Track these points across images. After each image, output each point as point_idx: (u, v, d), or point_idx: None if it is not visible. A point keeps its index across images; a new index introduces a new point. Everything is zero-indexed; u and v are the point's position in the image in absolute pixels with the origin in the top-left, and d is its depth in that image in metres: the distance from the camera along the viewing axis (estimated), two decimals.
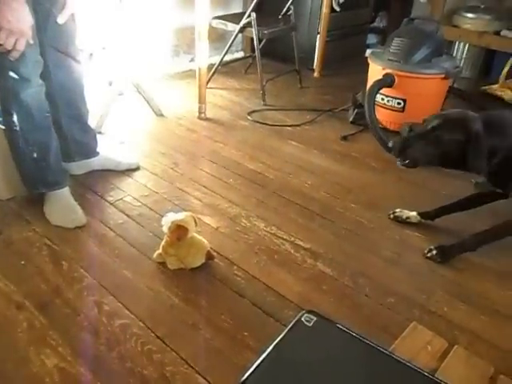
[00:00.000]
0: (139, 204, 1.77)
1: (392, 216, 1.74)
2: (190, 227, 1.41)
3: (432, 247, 1.55)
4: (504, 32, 3.20)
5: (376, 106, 2.32)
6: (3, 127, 1.53)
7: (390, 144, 1.47)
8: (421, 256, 1.57)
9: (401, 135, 1.48)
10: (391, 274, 1.49)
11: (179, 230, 1.39)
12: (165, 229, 1.42)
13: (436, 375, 0.67)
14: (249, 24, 2.76)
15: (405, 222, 1.73)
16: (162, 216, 1.45)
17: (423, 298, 1.39)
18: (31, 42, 1.34)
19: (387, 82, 2.31)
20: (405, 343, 0.78)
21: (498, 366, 0.90)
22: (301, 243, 1.60)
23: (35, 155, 1.55)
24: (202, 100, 2.55)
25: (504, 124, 1.41)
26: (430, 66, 2.33)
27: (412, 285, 1.45)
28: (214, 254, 1.49)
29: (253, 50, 3.22)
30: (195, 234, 1.46)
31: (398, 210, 1.75)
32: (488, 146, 1.37)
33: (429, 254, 1.55)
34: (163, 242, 1.45)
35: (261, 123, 2.56)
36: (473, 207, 1.65)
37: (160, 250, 1.46)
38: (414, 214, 1.72)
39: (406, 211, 1.74)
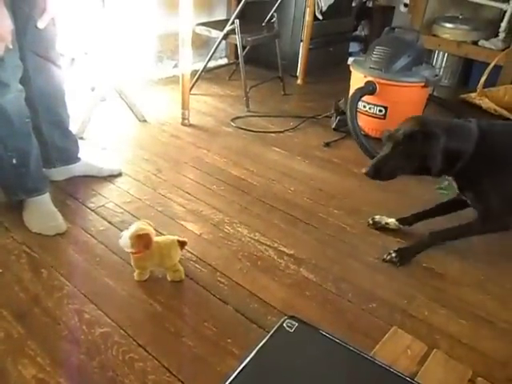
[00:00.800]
0: (121, 211, 1.75)
1: (371, 222, 1.75)
2: (149, 231, 1.37)
3: (391, 251, 1.58)
4: (482, 42, 3.29)
5: (358, 113, 2.35)
6: None
7: (364, 170, 1.48)
8: None
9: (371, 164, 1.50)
10: (373, 280, 1.50)
11: (142, 239, 1.34)
12: (128, 249, 1.36)
13: (416, 379, 0.68)
14: (232, 31, 2.77)
15: (384, 228, 1.74)
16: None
17: (404, 303, 1.41)
18: (10, 46, 1.32)
19: (369, 89, 2.35)
20: (385, 348, 0.79)
21: (477, 369, 0.91)
22: (284, 249, 1.60)
23: (14, 161, 1.53)
24: (185, 106, 2.54)
25: (467, 130, 1.42)
26: (411, 75, 2.37)
27: (393, 290, 1.46)
28: (197, 260, 1.48)
29: (236, 57, 3.23)
30: (157, 237, 1.42)
31: (377, 216, 1.76)
32: (449, 150, 1.39)
33: (387, 258, 1.57)
34: (133, 261, 1.40)
35: (244, 130, 2.57)
36: (448, 213, 1.67)
37: (137, 270, 1.42)
38: (392, 220, 1.73)
39: (384, 217, 1.75)
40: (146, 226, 1.40)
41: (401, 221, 1.72)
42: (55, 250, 1.52)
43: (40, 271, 1.42)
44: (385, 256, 1.58)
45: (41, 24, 1.47)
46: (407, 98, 2.43)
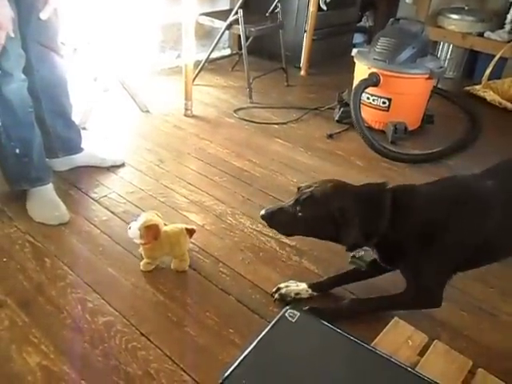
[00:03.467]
0: (124, 201, 1.76)
1: (277, 296, 1.35)
2: (157, 222, 1.39)
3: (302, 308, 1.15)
4: (487, 33, 3.26)
5: (362, 105, 2.34)
6: None
7: (262, 212, 1.24)
8: None
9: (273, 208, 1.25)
10: None
11: (150, 230, 1.36)
12: (137, 240, 1.38)
13: (416, 369, 0.68)
14: (236, 21, 2.75)
15: (294, 301, 1.35)
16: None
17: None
18: (12, 35, 1.32)
19: (373, 81, 2.34)
20: (386, 338, 0.79)
21: (477, 361, 0.92)
22: (286, 241, 1.61)
23: (18, 151, 1.53)
24: (188, 97, 2.54)
25: (381, 202, 1.19)
26: (415, 66, 2.36)
27: (395, 281, 1.46)
28: (200, 250, 1.49)
29: (240, 48, 3.21)
30: (166, 227, 1.44)
31: (282, 285, 1.38)
32: (361, 226, 1.16)
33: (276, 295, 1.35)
34: (144, 252, 1.42)
35: (247, 121, 2.56)
36: (368, 277, 1.41)
37: (146, 260, 1.43)
38: (304, 286, 1.38)
39: (292, 286, 1.38)
40: (154, 216, 1.41)
41: (314, 287, 1.38)
42: (58, 240, 1.53)
43: (44, 260, 1.43)
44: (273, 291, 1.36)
45: (43, 15, 1.46)
46: (411, 89, 2.41)
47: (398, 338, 0.78)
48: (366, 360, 0.65)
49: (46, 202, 1.64)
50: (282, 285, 1.37)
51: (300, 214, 1.19)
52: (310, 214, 1.19)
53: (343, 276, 1.40)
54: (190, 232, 1.45)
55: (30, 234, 1.54)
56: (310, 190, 1.21)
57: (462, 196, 1.21)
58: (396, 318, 0.86)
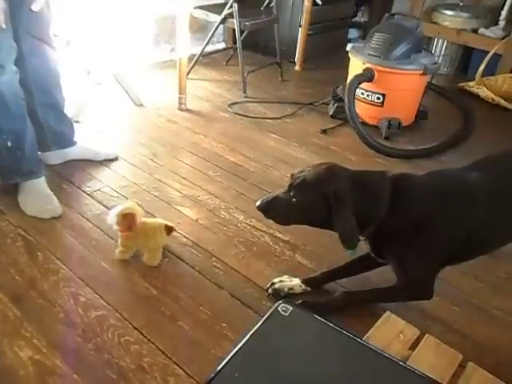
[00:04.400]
0: (117, 195, 1.75)
1: (270, 291, 1.35)
2: (135, 212, 1.39)
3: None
4: (481, 30, 3.27)
5: (356, 101, 2.34)
6: None
7: (258, 203, 1.20)
8: None
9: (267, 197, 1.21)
10: None
11: (126, 218, 1.37)
12: (114, 226, 1.39)
13: (408, 363, 0.69)
14: (231, 15, 2.74)
15: (287, 296, 1.34)
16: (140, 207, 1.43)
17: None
18: (3, 26, 1.30)
19: (367, 76, 2.34)
20: (378, 332, 0.80)
21: (467, 355, 0.93)
22: (280, 235, 1.61)
23: (10, 144, 1.52)
24: (182, 91, 2.52)
25: (379, 189, 1.15)
26: (409, 62, 2.36)
27: (387, 276, 1.47)
28: (193, 245, 1.49)
29: (234, 42, 3.20)
30: (145, 218, 1.45)
31: (276, 280, 1.37)
32: (356, 214, 1.12)
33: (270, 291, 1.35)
34: (120, 240, 1.43)
35: (241, 115, 2.56)
36: (362, 272, 1.40)
37: (120, 248, 1.44)
38: (297, 282, 1.36)
39: (286, 281, 1.36)
40: (134, 206, 1.41)
41: (307, 282, 1.36)
42: (51, 234, 1.52)
43: (36, 254, 1.42)
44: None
45: (35, 6, 1.44)
46: (405, 85, 2.42)
47: (389, 332, 0.78)
48: (358, 354, 0.66)
49: (39, 196, 1.62)
50: (275, 280, 1.37)
51: (294, 199, 1.16)
52: (304, 199, 1.15)
53: (336, 271, 1.39)
54: (169, 229, 1.45)
55: (21, 227, 1.53)
56: (303, 174, 1.17)
57: (453, 188, 1.19)
58: (388, 313, 0.86)
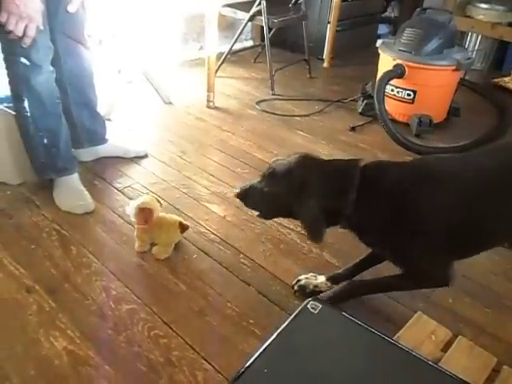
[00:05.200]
0: (147, 191, 1.78)
1: (296, 288, 1.35)
2: (152, 207, 1.42)
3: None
4: None
5: (386, 97, 2.30)
6: (14, 113, 1.55)
7: (236, 190, 1.22)
8: None
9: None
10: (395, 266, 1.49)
11: (143, 212, 1.41)
12: (132, 218, 1.43)
13: (439, 364, 0.68)
14: (259, 12, 2.74)
15: (312, 293, 1.33)
16: (169, 204, 1.45)
17: (428, 290, 1.39)
18: (41, 27, 1.35)
19: (398, 72, 2.30)
20: (409, 332, 0.79)
21: (501, 359, 0.90)
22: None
23: (45, 141, 1.57)
24: (210, 89, 2.54)
25: (347, 178, 1.10)
26: (442, 58, 2.30)
27: None
28: (221, 241, 1.50)
29: (262, 39, 3.19)
30: (163, 214, 1.48)
31: (302, 277, 1.37)
32: (323, 205, 1.08)
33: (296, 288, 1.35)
34: (136, 232, 1.47)
35: (269, 113, 2.56)
36: (379, 262, 1.34)
37: (137, 241, 1.47)
38: (322, 279, 1.36)
39: (312, 277, 1.37)
40: (152, 201, 1.45)
41: (332, 279, 1.35)
42: (84, 228, 1.57)
43: (70, 248, 1.47)
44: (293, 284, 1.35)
45: (71, 7, 1.49)
46: (437, 81, 2.36)
47: (420, 333, 0.77)
48: (388, 353, 0.65)
49: (72, 192, 1.67)
50: (301, 277, 1.37)
51: (265, 189, 1.15)
52: (273, 189, 1.14)
53: (359, 264, 1.36)
54: (183, 227, 1.47)
55: (56, 222, 1.58)
56: (275, 163, 1.16)
57: (435, 175, 1.11)
58: (419, 313, 0.85)
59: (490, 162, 1.15)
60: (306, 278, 1.36)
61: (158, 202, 1.48)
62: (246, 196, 1.20)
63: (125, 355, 1.14)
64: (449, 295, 1.38)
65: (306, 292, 1.33)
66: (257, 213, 1.26)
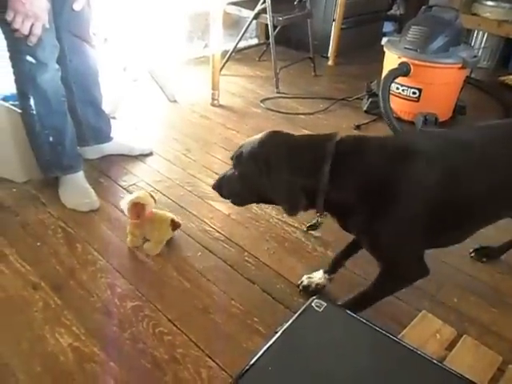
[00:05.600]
0: (151, 189, 1.79)
1: (301, 288, 1.35)
2: (145, 202, 1.43)
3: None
4: None
5: (391, 96, 2.29)
6: (20, 111, 1.55)
7: (213, 182, 1.19)
8: None
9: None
10: None
11: (136, 207, 1.42)
12: (126, 212, 1.44)
13: (444, 363, 0.68)
14: (264, 10, 2.73)
15: (316, 290, 1.34)
16: (174, 202, 1.46)
17: (433, 289, 1.39)
18: (47, 26, 1.35)
19: (403, 70, 2.29)
20: (414, 331, 0.79)
21: (506, 358, 0.90)
22: (312, 232, 1.60)
23: (51, 139, 1.58)
24: (215, 87, 2.54)
25: (318, 154, 1.01)
26: (448, 55, 2.29)
27: None
28: (226, 239, 1.51)
29: (267, 37, 3.19)
30: (157, 210, 1.49)
31: (305, 277, 1.37)
32: (293, 182, 1.01)
33: None
34: (128, 227, 1.48)
35: (274, 111, 2.56)
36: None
37: (129, 236, 1.48)
38: (320, 274, 1.36)
39: (314, 275, 1.37)
40: (145, 196, 1.45)
41: (328, 270, 1.36)
42: (89, 226, 1.57)
43: (75, 246, 1.48)
44: None
45: (77, 6, 1.49)
46: (443, 79, 2.35)
47: (425, 332, 0.77)
48: (393, 352, 0.65)
49: (77, 189, 1.68)
50: (304, 277, 1.38)
51: (235, 172, 1.10)
52: (242, 170, 1.08)
53: (347, 249, 1.34)
54: (174, 225, 1.48)
55: (62, 219, 1.59)
56: (243, 144, 1.09)
57: (416, 151, 1.01)
58: (424, 311, 0.85)
59: (477, 137, 1.09)
60: (309, 278, 1.37)
61: (152, 197, 1.48)
62: (220, 186, 1.16)
63: (129, 352, 1.14)
64: (454, 294, 1.38)
65: (309, 290, 1.34)
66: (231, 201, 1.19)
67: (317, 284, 1.36)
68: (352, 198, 1.01)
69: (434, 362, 0.63)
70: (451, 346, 0.76)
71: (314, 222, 1.17)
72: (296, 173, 1.00)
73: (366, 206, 1.00)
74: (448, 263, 1.50)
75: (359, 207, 1.01)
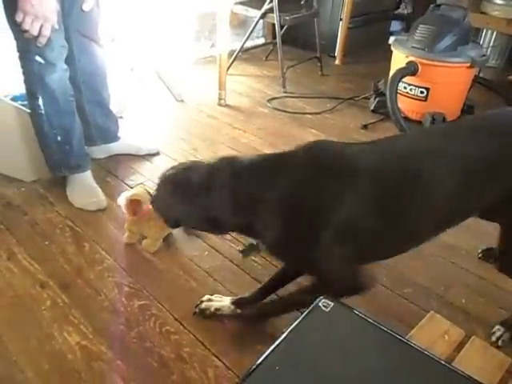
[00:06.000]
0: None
1: (196, 309, 1.25)
2: (142, 199, 1.41)
3: None
4: None
5: (398, 95, 2.28)
6: (29, 111, 1.56)
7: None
8: (440, 248, 1.55)
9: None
10: (409, 265, 1.48)
11: (132, 204, 1.42)
12: (123, 209, 1.44)
13: (452, 364, 0.67)
14: (271, 10, 2.73)
15: (213, 316, 1.25)
16: None
17: (441, 290, 1.38)
18: (56, 27, 1.36)
19: (410, 70, 2.27)
20: (422, 332, 0.78)
21: None
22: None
23: (59, 139, 1.59)
24: (222, 86, 2.55)
25: (214, 178, 1.01)
26: (456, 55, 2.27)
27: (430, 276, 1.44)
28: (232, 239, 1.50)
29: (274, 37, 3.19)
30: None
31: (205, 298, 1.27)
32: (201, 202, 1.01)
33: None
34: (126, 223, 1.48)
35: (281, 110, 2.55)
36: (293, 279, 1.24)
37: (126, 232, 1.49)
38: (226, 303, 1.25)
39: (215, 300, 1.27)
40: (143, 193, 1.43)
41: (237, 303, 1.25)
42: (96, 225, 1.58)
43: (82, 244, 1.48)
44: None
45: (86, 6, 1.50)
46: (451, 79, 2.33)
47: (433, 332, 0.76)
48: (401, 352, 0.64)
49: (85, 189, 1.69)
50: (204, 298, 1.27)
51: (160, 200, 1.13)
52: (156, 194, 1.14)
53: (267, 286, 1.25)
54: None
55: (70, 218, 1.60)
56: (162, 176, 1.12)
57: (338, 167, 0.97)
58: (432, 312, 0.84)
59: (418, 146, 1.02)
60: (209, 300, 1.26)
61: (150, 194, 1.46)
62: (153, 202, 1.19)
63: (136, 350, 1.15)
64: (462, 295, 1.37)
65: (206, 314, 1.24)
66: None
67: (217, 309, 1.24)
68: (266, 225, 0.97)
69: (443, 363, 0.63)
70: (460, 347, 0.76)
71: (247, 246, 1.16)
72: (190, 201, 1.02)
73: (285, 232, 0.96)
74: (456, 264, 1.49)
75: (280, 235, 0.97)
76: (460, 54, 2.28)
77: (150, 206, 1.43)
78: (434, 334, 0.77)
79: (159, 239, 1.48)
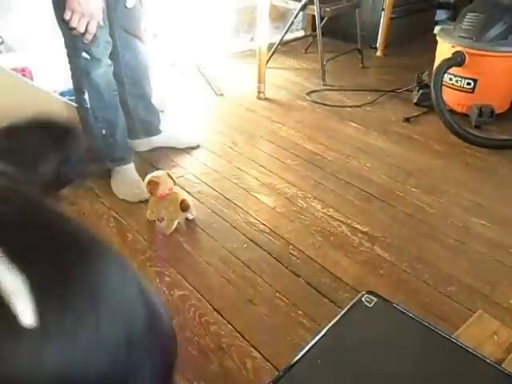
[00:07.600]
0: (199, 181, 1.82)
1: None
2: (159, 181, 1.49)
3: None
4: None
5: (443, 87, 2.20)
6: (76, 105, 1.63)
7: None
8: (486, 245, 1.50)
9: None
10: (453, 262, 1.43)
11: (150, 184, 1.50)
12: (144, 188, 1.54)
13: (502, 366, 0.64)
14: (311, 1, 2.70)
15: None
16: (220, 194, 1.47)
17: (487, 289, 1.33)
18: (102, 24, 1.40)
19: (457, 60, 2.19)
20: (469, 331, 0.76)
21: None
22: (358, 226, 1.58)
23: (104, 132, 1.64)
24: (261, 80, 2.54)
25: None
26: (506, 44, 2.16)
27: (475, 274, 1.39)
28: (270, 232, 1.51)
29: (314, 29, 3.15)
30: (175, 191, 1.54)
31: None
32: None
33: None
34: (149, 201, 1.58)
35: (320, 104, 2.52)
36: None
37: (149, 210, 1.58)
38: None
39: None
40: (162, 175, 1.53)
41: None
42: (138, 216, 1.63)
43: (126, 235, 1.53)
44: None
45: (130, 3, 1.54)
46: (500, 69, 2.22)
47: (482, 332, 0.74)
48: (447, 351, 0.63)
49: (128, 181, 1.74)
50: None
51: None
52: None
53: None
54: (183, 206, 1.51)
55: (113, 209, 1.65)
56: None
57: None
58: (480, 311, 0.81)
59: None
60: None
61: (171, 178, 1.54)
62: None
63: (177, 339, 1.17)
64: (509, 295, 1.31)
65: None
66: None
67: None
68: None
69: (492, 364, 0.61)
70: (510, 348, 0.73)
71: None
72: None
73: None
74: (503, 263, 1.43)
75: None
76: (511, 42, 2.17)
77: (167, 190, 1.53)
78: (482, 334, 0.75)
79: (172, 221, 1.54)
